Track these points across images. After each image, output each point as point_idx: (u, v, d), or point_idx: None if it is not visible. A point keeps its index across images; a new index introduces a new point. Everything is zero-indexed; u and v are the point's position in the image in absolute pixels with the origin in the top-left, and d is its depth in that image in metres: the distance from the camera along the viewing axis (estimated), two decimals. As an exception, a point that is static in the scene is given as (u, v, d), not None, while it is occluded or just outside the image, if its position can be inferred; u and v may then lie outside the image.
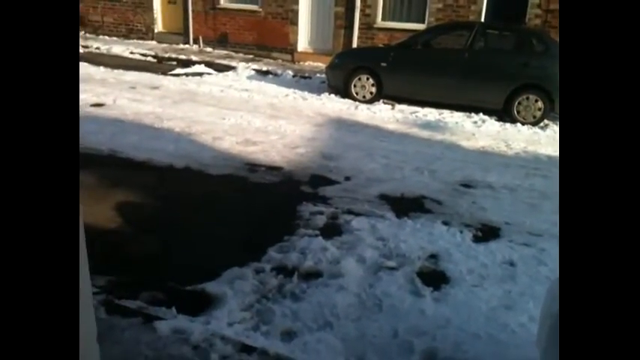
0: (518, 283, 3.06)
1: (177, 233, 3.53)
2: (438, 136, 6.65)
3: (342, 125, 6.86)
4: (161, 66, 10.50)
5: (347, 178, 4.80)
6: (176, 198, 4.16)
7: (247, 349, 2.27)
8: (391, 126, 7.05)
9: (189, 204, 4.06)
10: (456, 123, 7.32)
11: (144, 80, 8.79)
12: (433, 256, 3.37)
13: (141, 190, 4.23)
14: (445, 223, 3.89)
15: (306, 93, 8.55)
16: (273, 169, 4.93)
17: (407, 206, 4.21)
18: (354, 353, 2.39)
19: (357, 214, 3.94)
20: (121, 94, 7.51)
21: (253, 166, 4.95)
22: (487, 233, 3.78)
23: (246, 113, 6.98)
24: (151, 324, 2.37)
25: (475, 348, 2.44)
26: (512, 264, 3.31)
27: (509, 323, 2.66)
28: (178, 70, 10.00)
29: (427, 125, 7.17)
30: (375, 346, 2.44)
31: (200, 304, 2.68)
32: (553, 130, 7.32)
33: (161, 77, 9.21)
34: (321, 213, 3.94)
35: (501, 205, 4.36)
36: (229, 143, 5.62)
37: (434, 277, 3.12)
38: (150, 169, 4.72)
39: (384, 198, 4.37)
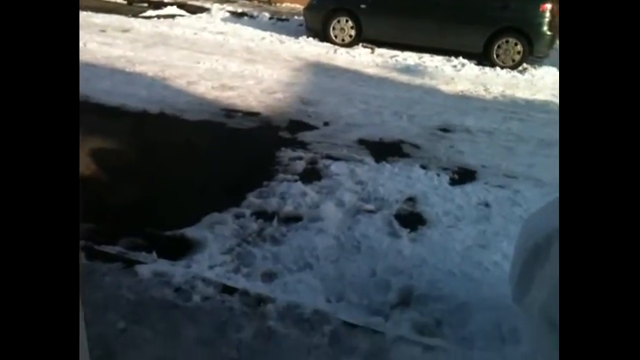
0: (493, 224, 3.15)
1: (155, 180, 3.49)
2: (418, 81, 6.60)
3: (320, 69, 6.73)
4: (131, 8, 10.04)
5: (326, 124, 4.77)
6: (152, 144, 4.09)
7: (228, 290, 2.31)
8: (370, 70, 6.96)
9: (166, 150, 4.00)
10: (436, 67, 7.26)
11: (114, 23, 8.41)
12: (411, 199, 3.42)
13: (115, 136, 4.14)
14: (423, 167, 3.93)
15: (283, 36, 8.32)
16: (250, 114, 4.86)
17: (386, 151, 4.22)
18: (334, 292, 2.46)
19: (336, 159, 3.95)
20: (90, 38, 7.20)
21: (230, 112, 4.87)
22: (464, 176, 3.84)
23: (222, 57, 6.79)
24: (131, 268, 2.39)
25: (450, 285, 2.53)
26: (487, 205, 3.39)
27: (483, 261, 2.75)
28: (150, 12, 9.58)
29: (407, 69, 7.09)
30: (354, 285, 2.51)
31: (180, 249, 2.70)
32: (531, 74, 7.33)
33: (132, 20, 8.82)
34: (300, 158, 3.93)
35: (478, 149, 4.41)
36: (205, 88, 5.49)
37: (411, 219, 3.18)
38: (124, 114, 4.61)
39: (363, 143, 4.37)
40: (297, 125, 4.68)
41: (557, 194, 2.53)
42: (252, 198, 3.27)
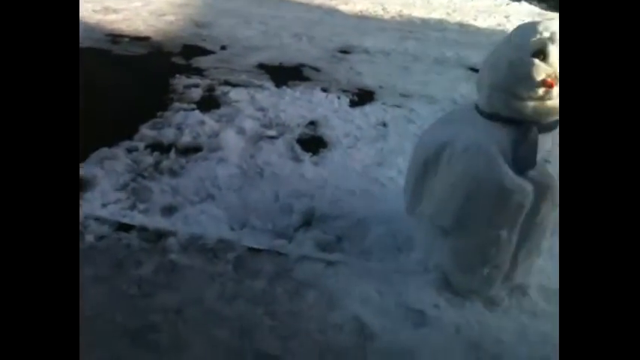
0: (389, 142, 3.25)
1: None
2: (317, 1, 6.42)
3: (214, -11, 6.30)
4: None
5: (222, 47, 4.54)
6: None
7: (125, 227, 2.22)
8: (268, -11, 6.63)
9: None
10: (335, -14, 7.07)
11: None
12: (312, 123, 3.42)
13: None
14: (324, 90, 3.92)
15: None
16: (139, 39, 4.49)
17: (286, 75, 4.13)
18: (237, 220, 2.46)
19: (235, 85, 3.81)
20: None
21: (116, 37, 4.46)
22: (363, 97, 3.89)
23: (102, -24, 6.09)
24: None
25: (350, 203, 2.62)
26: (384, 124, 3.48)
27: (380, 178, 2.86)
28: None
29: (305, -12, 6.84)
30: (258, 211, 2.52)
31: (69, 189, 2.51)
32: (427, -7, 7.39)
33: None
34: (197, 85, 3.74)
35: (376, 70, 4.46)
36: (84, 11, 4.94)
37: (313, 143, 3.20)
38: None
39: (263, 67, 4.23)
40: (192, 50, 4.41)
41: (447, 112, 2.64)
42: (145, 130, 3.09)
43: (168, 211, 2.46)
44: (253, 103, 3.58)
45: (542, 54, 1.65)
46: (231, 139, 3.09)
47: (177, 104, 3.44)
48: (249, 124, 3.28)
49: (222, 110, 3.44)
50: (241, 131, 3.20)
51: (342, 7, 6.25)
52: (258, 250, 2.23)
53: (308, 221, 2.47)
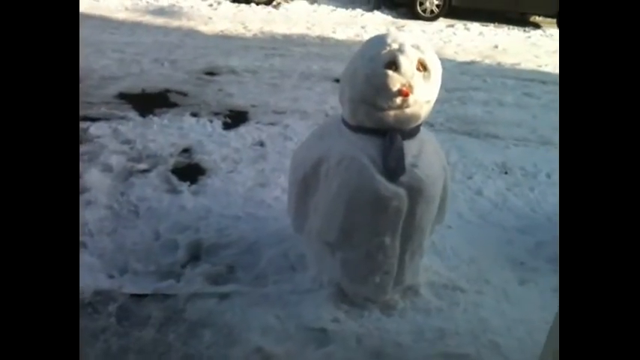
0: (269, 161, 3.24)
1: None
2: (175, 23, 6.25)
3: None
4: None
5: (75, 80, 4.18)
6: None
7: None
8: (120, 15, 6.31)
9: None
10: (191, 7, 6.95)
11: None
12: (186, 150, 3.29)
13: None
14: (194, 115, 3.80)
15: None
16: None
17: (151, 102, 3.94)
18: (115, 266, 2.25)
19: (95, 120, 3.53)
20: None
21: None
22: (236, 118, 3.84)
23: None
24: None
25: (237, 229, 2.54)
26: (262, 144, 3.46)
27: (265, 199, 2.83)
28: None
29: (161, 11, 6.63)
30: (137, 253, 2.33)
31: None
32: (285, 9, 7.58)
33: None
34: (50, 124, 3.40)
35: (246, 89, 4.44)
36: None
37: (190, 171, 3.07)
38: None
39: (124, 97, 3.99)
40: (40, 86, 4.00)
41: (321, 124, 2.69)
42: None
43: (32, 269, 2.17)
44: (117, 136, 3.34)
45: (393, 65, 1.74)
46: (96, 179, 2.84)
47: (28, 147, 3.08)
48: (116, 160, 3.05)
49: (84, 148, 3.16)
50: (107, 168, 2.96)
51: (202, 28, 6.15)
52: (143, 296, 2.06)
53: (195, 255, 2.35)
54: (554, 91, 5.37)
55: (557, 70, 6.10)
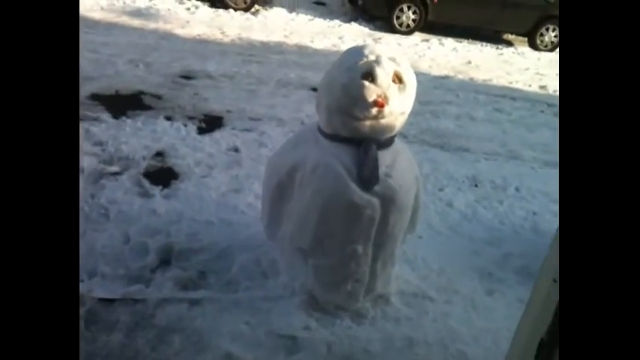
0: (244, 167, 3.23)
1: None
2: (152, 25, 6.19)
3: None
4: None
5: (47, 79, 4.09)
6: None
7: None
8: (96, 15, 6.21)
9: None
10: (169, 10, 6.90)
11: None
12: (159, 154, 3.25)
13: None
14: (168, 118, 3.76)
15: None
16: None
17: (124, 104, 3.88)
18: (84, 269, 2.20)
19: (66, 119, 3.45)
20: None
21: None
22: (211, 123, 3.82)
23: None
24: None
25: (209, 235, 2.53)
26: (236, 150, 3.45)
27: (239, 205, 2.82)
28: None
29: (138, 13, 6.56)
30: (107, 257, 2.29)
31: None
32: (264, 16, 7.60)
33: None
34: (19, 123, 3.31)
35: (222, 94, 4.42)
36: None
37: (162, 175, 3.04)
38: None
39: (97, 98, 3.92)
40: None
41: (296, 131, 2.71)
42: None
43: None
44: (89, 137, 3.28)
45: (370, 76, 1.78)
46: (67, 180, 2.78)
47: None
48: (87, 162, 3.00)
49: (54, 148, 3.09)
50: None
51: (179, 32, 6.11)
52: (112, 300, 2.03)
53: (166, 260, 2.32)
54: (524, 107, 5.53)
55: (526, 87, 6.28)
